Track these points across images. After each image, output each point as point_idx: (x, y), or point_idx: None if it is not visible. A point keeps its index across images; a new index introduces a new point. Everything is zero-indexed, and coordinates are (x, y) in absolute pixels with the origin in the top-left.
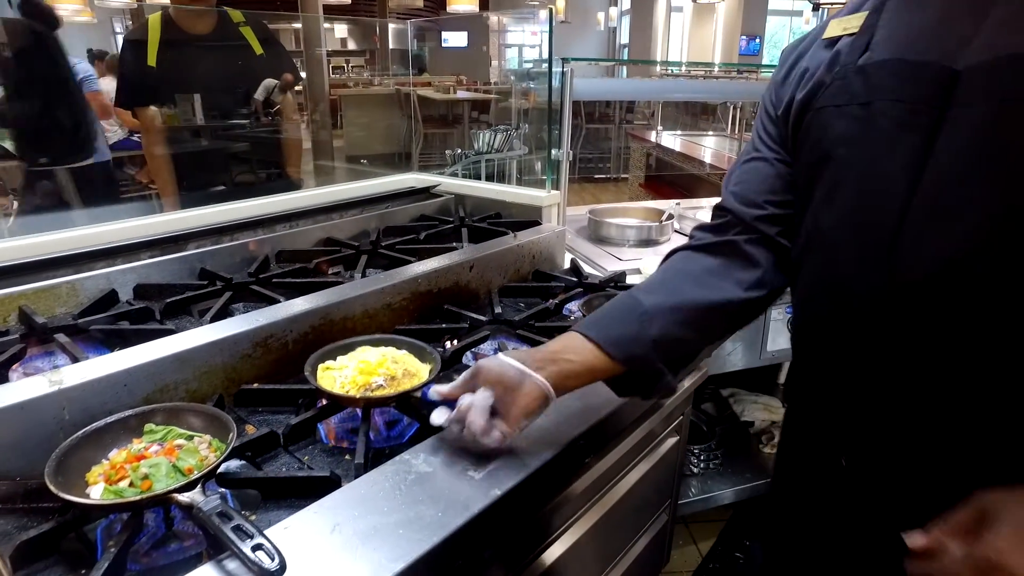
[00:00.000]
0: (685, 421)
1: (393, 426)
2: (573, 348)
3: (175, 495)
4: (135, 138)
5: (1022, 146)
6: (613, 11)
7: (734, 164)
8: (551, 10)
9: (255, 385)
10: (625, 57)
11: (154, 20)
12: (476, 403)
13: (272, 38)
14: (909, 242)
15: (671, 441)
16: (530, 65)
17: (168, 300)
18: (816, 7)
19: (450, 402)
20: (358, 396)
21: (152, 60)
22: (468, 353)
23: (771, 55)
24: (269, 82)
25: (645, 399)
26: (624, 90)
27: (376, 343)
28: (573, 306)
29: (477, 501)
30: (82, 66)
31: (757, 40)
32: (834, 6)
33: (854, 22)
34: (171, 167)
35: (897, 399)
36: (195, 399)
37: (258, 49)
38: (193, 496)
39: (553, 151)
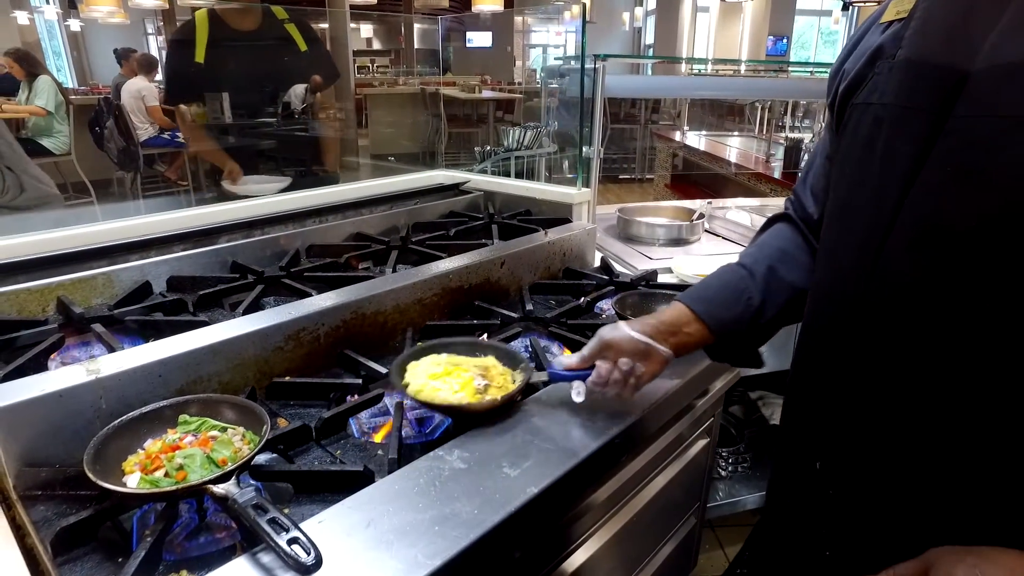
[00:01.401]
0: (716, 423)
1: (424, 422)
2: (686, 323)
3: (210, 486)
4: (165, 135)
5: (1010, 164)
6: (639, 11)
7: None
8: (584, 5)
9: (287, 378)
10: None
11: (201, 17)
12: (622, 371)
13: (315, 35)
14: (888, 258)
15: (701, 443)
16: (559, 62)
17: (201, 292)
18: (846, 6)
19: (575, 373)
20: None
21: (200, 57)
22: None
23: (798, 56)
24: (299, 88)
25: (734, 366)
26: (655, 87)
27: (455, 349)
28: (605, 304)
29: (514, 498)
30: None
31: (784, 40)
32: (866, 5)
33: (906, 4)
34: (224, 155)
35: (874, 404)
36: (227, 391)
37: (303, 46)
38: (228, 488)
39: (584, 148)
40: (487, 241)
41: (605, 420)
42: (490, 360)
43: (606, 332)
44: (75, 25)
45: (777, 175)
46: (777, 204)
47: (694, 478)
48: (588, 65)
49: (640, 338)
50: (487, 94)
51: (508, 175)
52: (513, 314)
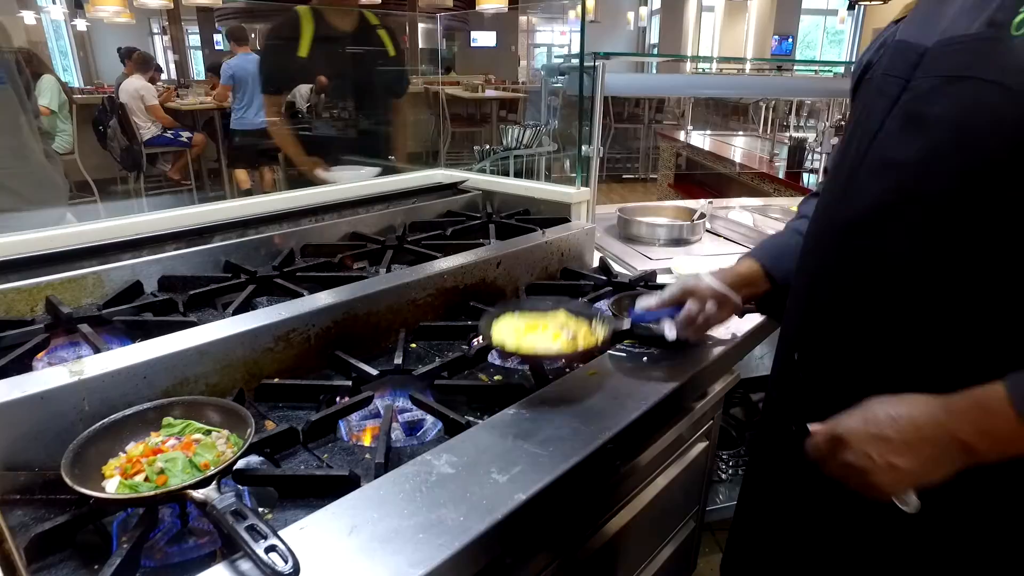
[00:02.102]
0: (715, 425)
1: (415, 426)
2: (758, 277)
3: (190, 491)
4: (168, 134)
5: (940, 116)
6: (643, 11)
7: None
8: (583, 3)
9: (275, 380)
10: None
11: (304, 13)
12: (709, 314)
13: (400, 43)
14: (857, 185)
15: (700, 446)
16: (560, 60)
17: (192, 292)
18: (852, 5)
19: (657, 313)
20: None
21: (304, 52)
22: (494, 351)
23: (804, 55)
24: (303, 88)
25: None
26: (656, 85)
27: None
28: (603, 304)
29: (501, 505)
30: None
31: (790, 40)
32: (872, 4)
33: (911, 3)
34: (298, 145)
35: (843, 305)
36: (215, 393)
37: (391, 51)
38: (208, 493)
39: (583, 147)
40: (484, 241)
41: (598, 424)
42: (562, 316)
43: (688, 281)
44: (81, 24)
45: (781, 175)
46: (780, 204)
47: (693, 481)
48: (588, 63)
49: (719, 287)
50: (490, 93)
51: (508, 174)
52: None
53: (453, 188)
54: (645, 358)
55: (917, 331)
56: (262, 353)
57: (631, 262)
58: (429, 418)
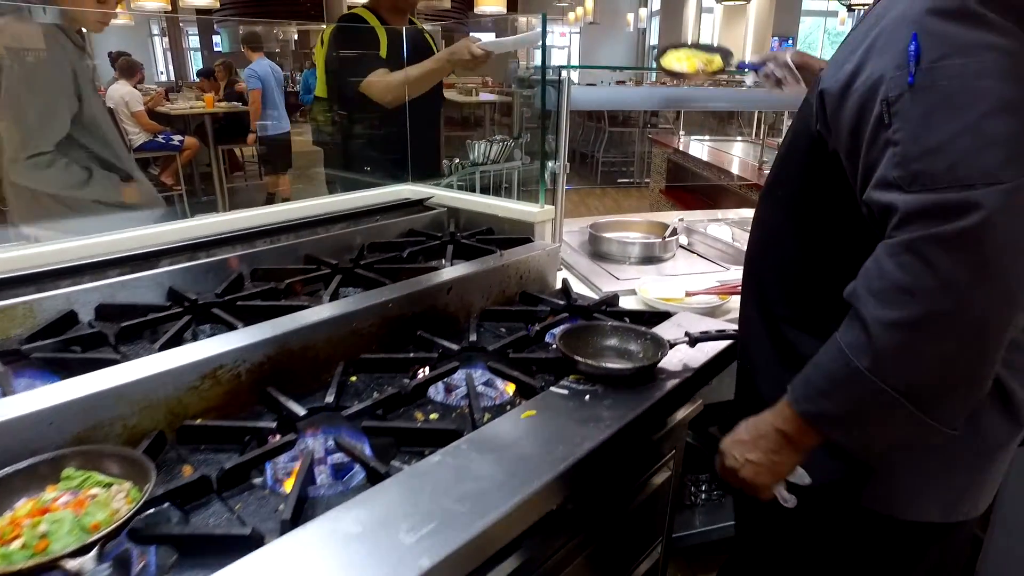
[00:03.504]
0: (679, 454)
1: (342, 470)
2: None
3: (64, 561)
4: (159, 139)
5: (793, 127)
6: (643, 12)
7: None
8: (544, 16)
9: (198, 421)
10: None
11: (368, 16)
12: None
13: (439, 44)
14: (770, 180)
15: (662, 476)
16: (530, 72)
17: (124, 324)
18: (850, 8)
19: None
20: None
21: (384, 52)
22: (439, 387)
23: None
24: None
25: None
26: (626, 99)
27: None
28: (560, 330)
29: (402, 574)
30: None
31: (790, 41)
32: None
33: None
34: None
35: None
36: (133, 436)
37: (436, 52)
38: (83, 564)
39: (549, 163)
40: (441, 263)
41: (523, 475)
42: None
43: (780, 55)
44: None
45: None
46: None
47: (655, 512)
48: (552, 77)
49: (790, 61)
50: (485, 97)
51: (476, 190)
52: (453, 346)
53: (419, 205)
54: (587, 396)
55: (778, 278)
56: (187, 392)
57: (597, 282)
58: (357, 464)
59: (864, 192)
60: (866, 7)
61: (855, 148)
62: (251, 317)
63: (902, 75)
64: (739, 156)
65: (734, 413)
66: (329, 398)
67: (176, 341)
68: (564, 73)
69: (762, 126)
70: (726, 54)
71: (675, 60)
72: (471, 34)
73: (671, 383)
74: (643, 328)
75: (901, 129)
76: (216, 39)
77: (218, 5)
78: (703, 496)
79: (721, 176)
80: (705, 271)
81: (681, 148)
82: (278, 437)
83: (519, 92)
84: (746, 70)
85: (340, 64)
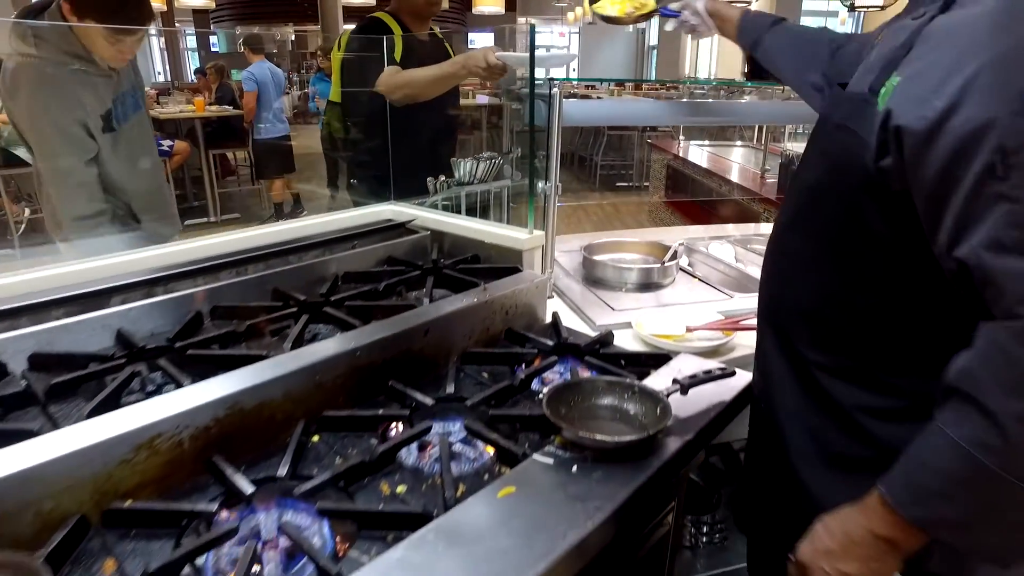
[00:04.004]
0: (679, 503)
1: (295, 556)
2: (732, 27)
3: None
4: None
5: (831, 152)
6: None
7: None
8: (532, 27)
9: (128, 503)
10: (654, 60)
11: (388, 20)
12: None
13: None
14: (787, 198)
15: (661, 530)
16: (519, 84)
17: (55, 381)
18: (852, 8)
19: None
20: None
21: (399, 55)
22: (412, 447)
23: None
24: None
25: None
26: (624, 114)
27: None
28: (551, 375)
29: None
30: None
31: None
32: (871, 9)
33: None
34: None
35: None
36: (49, 523)
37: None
38: None
39: (539, 184)
40: (419, 295)
41: (510, 570)
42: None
43: (693, 2)
44: None
45: (774, 192)
46: (768, 232)
47: (653, 564)
48: (542, 90)
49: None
50: (481, 99)
51: (461, 211)
52: (428, 400)
53: (401, 228)
54: (575, 466)
55: (810, 321)
56: (118, 466)
57: (591, 313)
58: (305, 557)
59: (955, 245)
60: (870, 9)
61: (942, 194)
62: (202, 369)
63: None
64: (740, 163)
65: (751, 457)
66: (283, 469)
67: (112, 401)
68: (555, 88)
69: (764, 132)
70: None
71: (608, 4)
72: (490, 48)
73: (673, 446)
74: (641, 385)
75: (1021, 186)
76: (213, 39)
77: (214, 5)
78: (704, 539)
79: (722, 185)
80: (707, 299)
81: (681, 154)
82: (224, 514)
83: (509, 104)
84: (666, 16)
85: (355, 68)
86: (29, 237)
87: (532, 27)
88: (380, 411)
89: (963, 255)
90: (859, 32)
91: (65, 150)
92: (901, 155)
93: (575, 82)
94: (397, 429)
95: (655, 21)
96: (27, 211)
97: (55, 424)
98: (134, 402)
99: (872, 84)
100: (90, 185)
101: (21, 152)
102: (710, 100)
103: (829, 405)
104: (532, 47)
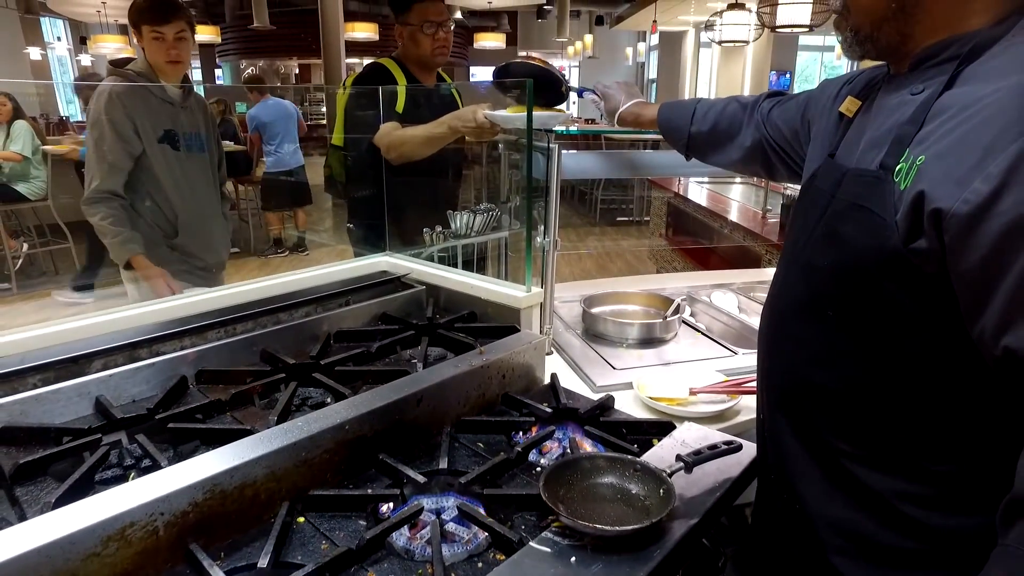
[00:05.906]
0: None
1: None
2: (650, 114)
3: None
4: None
5: (848, 234)
6: (641, 46)
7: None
8: (529, 84)
9: None
10: (653, 94)
11: (392, 67)
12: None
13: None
14: (791, 281)
15: None
16: (515, 137)
17: (24, 461)
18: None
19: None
20: None
21: (400, 107)
22: (403, 530)
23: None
24: None
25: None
26: (624, 166)
27: None
28: (551, 443)
29: None
30: None
31: (787, 75)
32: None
33: (852, 107)
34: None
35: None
36: None
37: (461, 107)
38: None
39: (537, 239)
40: (413, 355)
41: None
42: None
43: (606, 86)
44: (86, 59)
45: (775, 237)
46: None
47: None
48: (541, 144)
49: (625, 109)
50: None
51: (458, 264)
52: (420, 477)
53: (396, 282)
54: (573, 557)
55: (835, 409)
56: (85, 561)
57: (591, 372)
58: None
59: (1003, 333)
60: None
61: (988, 279)
62: (184, 442)
63: None
64: (741, 201)
65: (761, 523)
66: (264, 559)
67: (85, 482)
68: (553, 141)
69: None
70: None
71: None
72: (480, 105)
73: (678, 532)
74: (644, 463)
75: None
76: (218, 72)
77: (219, 40)
78: None
79: (723, 226)
80: (710, 356)
81: (681, 192)
82: None
83: (508, 154)
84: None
85: (358, 116)
86: (27, 271)
87: (530, 83)
88: (369, 491)
89: (1013, 344)
90: (854, 68)
91: (110, 135)
92: (939, 238)
93: (576, 133)
94: (388, 506)
95: (653, 57)
96: (25, 246)
97: (21, 509)
98: (110, 478)
99: (883, 162)
100: (118, 169)
101: (21, 187)
102: None
103: (865, 496)
104: (530, 104)
